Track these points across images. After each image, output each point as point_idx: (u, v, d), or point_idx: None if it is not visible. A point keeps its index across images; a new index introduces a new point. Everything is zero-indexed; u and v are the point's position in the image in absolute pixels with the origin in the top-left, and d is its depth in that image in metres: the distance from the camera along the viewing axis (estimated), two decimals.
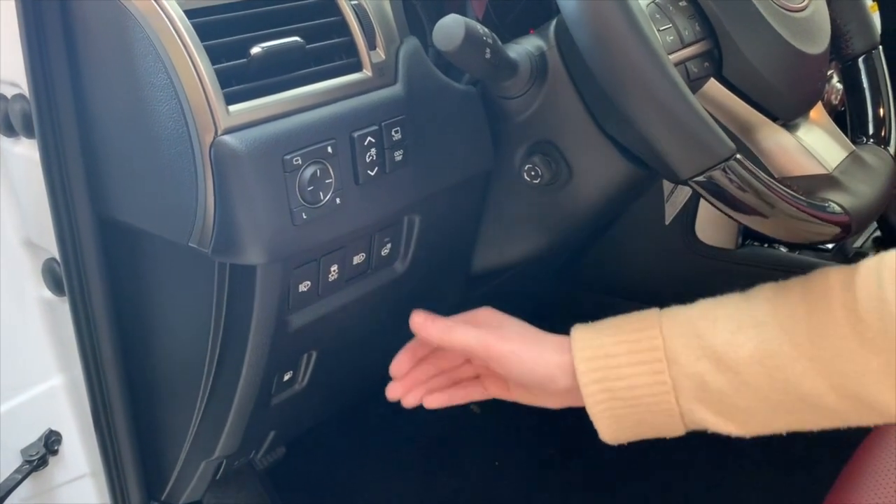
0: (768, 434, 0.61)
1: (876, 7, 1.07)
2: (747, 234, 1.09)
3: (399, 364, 0.69)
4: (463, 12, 0.81)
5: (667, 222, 1.03)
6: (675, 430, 0.63)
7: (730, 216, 0.58)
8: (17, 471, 0.73)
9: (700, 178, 0.55)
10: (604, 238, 1.07)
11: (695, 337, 0.60)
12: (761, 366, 0.58)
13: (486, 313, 0.68)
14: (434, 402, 0.70)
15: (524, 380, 0.65)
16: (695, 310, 0.62)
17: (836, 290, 0.57)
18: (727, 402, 0.59)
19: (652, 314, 0.62)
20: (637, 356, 0.61)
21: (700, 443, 1.21)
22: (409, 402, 0.69)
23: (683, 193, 1.03)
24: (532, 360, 0.64)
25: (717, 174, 0.55)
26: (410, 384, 0.70)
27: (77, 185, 0.61)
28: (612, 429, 0.63)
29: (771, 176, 0.58)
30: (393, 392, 0.69)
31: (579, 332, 0.64)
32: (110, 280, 0.66)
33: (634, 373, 0.61)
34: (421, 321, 0.66)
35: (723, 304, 0.61)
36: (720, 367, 0.58)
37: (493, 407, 1.31)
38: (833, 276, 0.58)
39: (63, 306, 0.69)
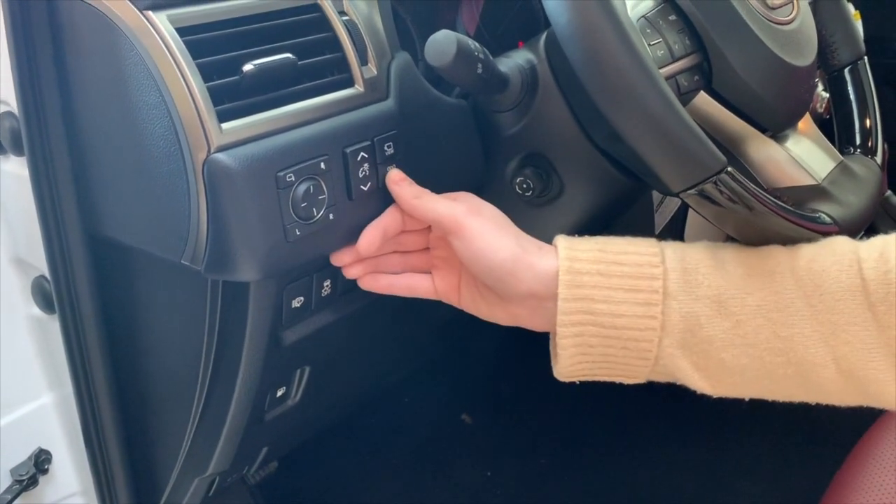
0: (736, 398, 0.57)
1: (859, 16, 1.09)
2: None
3: (369, 242, 0.58)
4: (453, 27, 0.81)
5: (656, 232, 1.04)
6: (638, 375, 0.57)
7: (722, 228, 0.59)
8: (6, 491, 0.72)
9: (692, 192, 0.56)
10: None
11: (700, 274, 0.54)
12: (766, 319, 0.53)
13: (469, 195, 0.61)
14: (371, 283, 0.61)
15: (483, 267, 0.57)
16: (699, 248, 0.56)
17: (862, 255, 0.53)
18: (714, 354, 0.54)
19: (652, 241, 0.57)
20: (633, 282, 0.54)
21: (696, 442, 1.22)
22: (350, 273, 0.61)
23: (672, 204, 1.03)
24: (499, 245, 0.56)
25: (708, 187, 0.55)
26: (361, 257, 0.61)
27: (67, 202, 0.61)
28: (572, 360, 0.57)
29: (761, 188, 0.58)
30: (339, 259, 0.60)
31: (567, 240, 0.57)
32: (101, 297, 0.65)
33: (624, 299, 0.54)
34: (397, 178, 0.59)
35: (725, 248, 0.56)
36: (721, 311, 0.53)
37: (485, 417, 1.32)
38: (858, 244, 0.54)
39: (52, 324, 0.69)
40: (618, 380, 0.58)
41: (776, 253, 0.56)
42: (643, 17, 0.62)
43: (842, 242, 0.55)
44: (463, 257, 0.58)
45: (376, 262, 0.62)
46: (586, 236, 0.59)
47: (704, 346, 0.54)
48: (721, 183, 0.55)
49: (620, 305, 0.55)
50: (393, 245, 0.62)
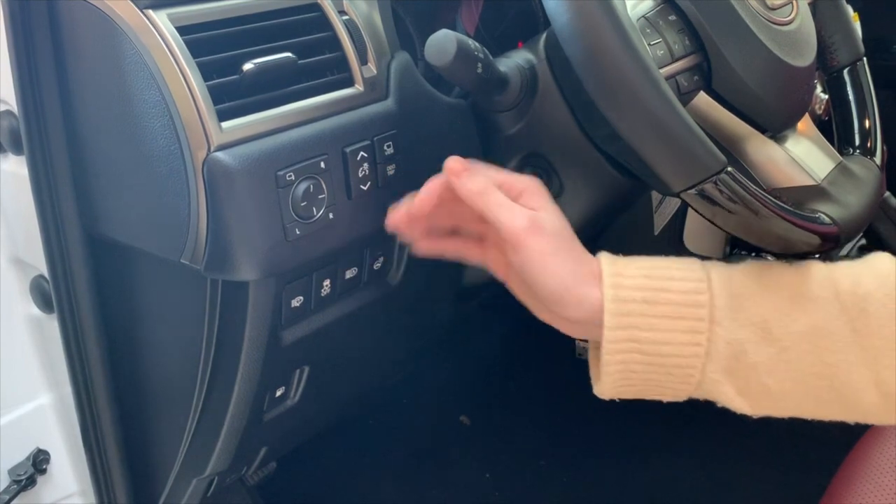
0: (774, 416, 0.57)
1: (857, 17, 1.09)
2: (734, 244, 1.10)
3: (424, 202, 0.57)
4: (453, 27, 0.81)
5: (656, 232, 1.04)
6: (678, 396, 0.57)
7: (721, 228, 0.59)
8: (4, 491, 0.72)
9: (692, 192, 0.56)
10: (593, 249, 1.07)
11: (746, 300, 0.54)
12: (811, 344, 0.53)
13: (534, 192, 0.57)
14: (426, 247, 0.60)
15: (533, 287, 0.56)
16: (745, 269, 0.56)
17: None
18: (758, 379, 0.54)
19: (696, 263, 0.56)
20: (678, 309, 0.54)
21: (696, 443, 1.22)
22: (407, 236, 0.59)
23: (672, 204, 1.03)
24: (553, 273, 0.55)
25: (708, 187, 0.55)
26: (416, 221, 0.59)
27: (66, 201, 0.61)
28: (615, 384, 0.56)
29: (761, 188, 0.58)
30: (394, 219, 0.58)
31: (612, 263, 0.56)
32: (100, 297, 0.65)
33: (670, 327, 0.54)
34: (457, 168, 0.56)
35: (770, 270, 0.56)
36: (767, 338, 0.53)
37: (484, 419, 1.32)
38: None
39: (51, 323, 0.69)
40: (660, 399, 0.58)
41: (819, 276, 0.55)
42: (643, 16, 0.62)
43: (883, 263, 0.55)
44: (515, 268, 0.57)
45: (428, 227, 0.60)
46: (633, 256, 0.57)
47: (749, 372, 0.54)
48: (721, 183, 0.55)
49: (666, 334, 0.54)
50: (447, 214, 0.60)
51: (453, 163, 0.56)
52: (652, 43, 0.61)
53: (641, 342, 0.54)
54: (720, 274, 0.56)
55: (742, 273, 0.56)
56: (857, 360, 0.53)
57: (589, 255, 0.57)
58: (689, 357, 0.54)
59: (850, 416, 0.56)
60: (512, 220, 0.55)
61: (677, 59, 0.62)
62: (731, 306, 0.54)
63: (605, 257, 0.57)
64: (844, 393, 0.54)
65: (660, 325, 0.54)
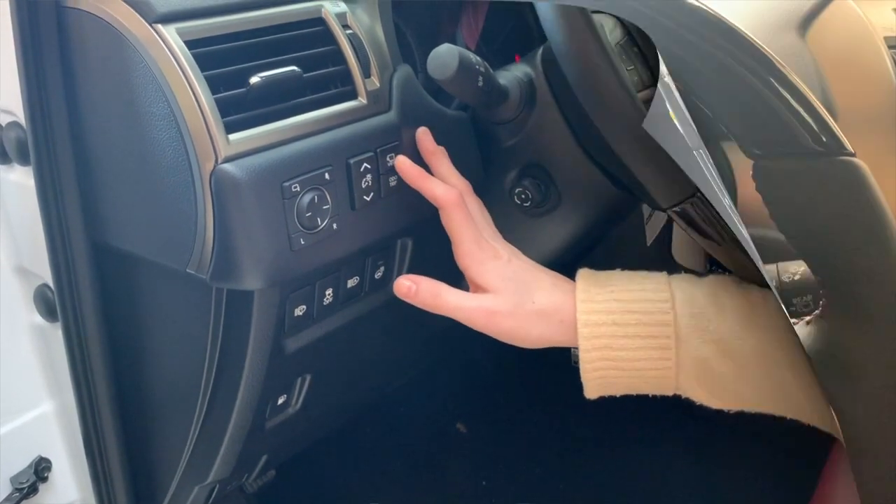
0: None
1: None
2: (712, 260, 1.11)
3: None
4: (453, 40, 0.82)
5: (648, 243, 1.05)
6: (662, 393, 0.62)
7: (701, 244, 0.60)
8: (6, 499, 0.73)
9: (676, 209, 0.57)
10: (588, 258, 1.08)
11: (705, 319, 0.59)
12: (760, 361, 0.58)
13: (473, 264, 0.63)
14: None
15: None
16: (704, 290, 0.60)
17: None
18: (725, 385, 0.59)
19: (662, 283, 0.61)
20: (646, 329, 0.59)
21: (691, 452, 1.23)
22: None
23: (661, 217, 1.04)
24: (524, 339, 0.62)
25: (688, 206, 0.57)
26: None
27: (72, 212, 0.61)
28: (599, 390, 0.62)
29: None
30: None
31: (584, 289, 0.61)
32: (104, 305, 0.66)
33: (640, 345, 0.59)
34: (404, 291, 0.62)
35: (729, 293, 0.60)
36: (727, 353, 0.58)
37: (480, 426, 1.32)
38: None
39: (54, 332, 0.69)
40: (644, 393, 0.63)
41: (758, 302, 0.59)
42: (618, 43, 0.63)
43: None
44: None
45: None
46: (608, 273, 0.62)
47: (717, 380, 0.59)
48: (697, 203, 0.56)
49: (637, 351, 0.59)
50: None
51: (400, 286, 0.62)
52: (628, 69, 0.63)
53: (616, 360, 0.60)
54: (683, 293, 0.60)
55: (702, 293, 0.61)
56: (793, 379, 0.57)
57: (556, 289, 0.62)
58: (661, 370, 0.60)
59: (808, 421, 0.59)
60: (470, 320, 0.62)
61: (647, 87, 0.63)
62: (693, 325, 0.59)
63: (581, 279, 0.62)
64: (793, 403, 0.58)
65: (630, 344, 0.60)
